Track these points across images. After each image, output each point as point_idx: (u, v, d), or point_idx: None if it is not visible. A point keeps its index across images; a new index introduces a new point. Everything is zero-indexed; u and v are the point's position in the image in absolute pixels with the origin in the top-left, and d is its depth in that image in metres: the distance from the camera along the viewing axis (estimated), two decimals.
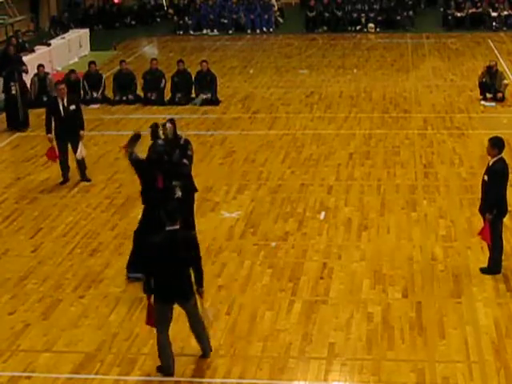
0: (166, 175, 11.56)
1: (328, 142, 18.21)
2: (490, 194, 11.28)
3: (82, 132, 15.96)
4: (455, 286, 11.33)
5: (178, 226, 9.19)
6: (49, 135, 15.88)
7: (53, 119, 15.81)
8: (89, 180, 16.06)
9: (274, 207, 14.45)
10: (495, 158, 11.34)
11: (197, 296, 9.39)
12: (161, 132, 12.15)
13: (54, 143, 15.96)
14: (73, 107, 15.79)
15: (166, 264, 9.09)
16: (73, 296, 11.37)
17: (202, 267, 9.41)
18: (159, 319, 9.26)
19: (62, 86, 16.04)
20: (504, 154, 11.44)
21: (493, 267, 11.53)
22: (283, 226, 13.62)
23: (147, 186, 11.71)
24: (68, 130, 15.70)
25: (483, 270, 11.60)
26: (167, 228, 9.18)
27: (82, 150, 15.88)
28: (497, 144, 11.34)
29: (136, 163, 11.70)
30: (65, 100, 15.72)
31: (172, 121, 12.69)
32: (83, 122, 16.13)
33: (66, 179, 16.04)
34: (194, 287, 9.38)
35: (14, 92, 19.98)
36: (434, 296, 11.07)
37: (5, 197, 15.50)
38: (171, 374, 9.36)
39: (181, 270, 9.17)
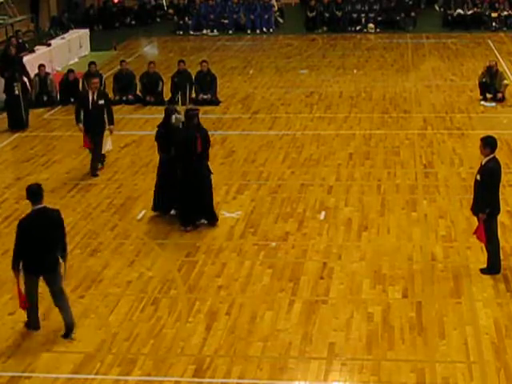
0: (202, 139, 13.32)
1: (328, 142, 18.21)
2: (482, 194, 11.29)
3: (111, 126, 16.38)
4: (455, 286, 11.33)
5: (43, 204, 10.11)
6: (79, 125, 16.28)
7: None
8: (96, 175, 16.34)
9: (274, 207, 14.45)
10: (488, 158, 11.35)
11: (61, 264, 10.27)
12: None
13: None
14: (101, 102, 16.15)
15: (36, 240, 9.94)
16: (73, 296, 11.37)
17: (66, 240, 10.37)
18: (29, 290, 10.17)
19: (96, 79, 16.60)
20: (503, 154, 11.45)
21: (491, 267, 11.53)
22: (283, 226, 13.62)
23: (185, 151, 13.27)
24: (94, 123, 16.06)
25: (483, 271, 11.60)
26: (34, 207, 10.08)
27: (108, 144, 16.40)
28: (489, 143, 11.33)
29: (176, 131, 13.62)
30: (95, 94, 16.07)
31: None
32: (112, 116, 16.52)
33: (100, 167, 16.63)
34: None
35: (16, 92, 20.09)
36: (433, 296, 11.07)
37: (5, 197, 15.50)
38: (38, 328, 10.42)
39: (48, 245, 10.02)
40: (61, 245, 10.26)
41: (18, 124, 20.07)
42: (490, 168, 11.29)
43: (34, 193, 10.15)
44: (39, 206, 10.12)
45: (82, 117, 16.16)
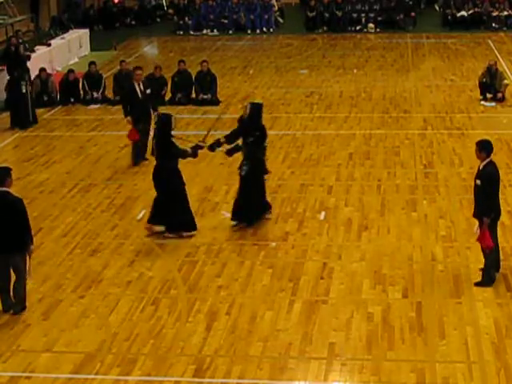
0: None
1: (328, 142, 18.21)
2: (485, 198, 11.10)
3: (155, 114, 16.79)
4: (455, 286, 11.33)
5: (6, 188, 10.63)
6: (127, 118, 16.77)
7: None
8: (146, 159, 16.72)
9: (274, 207, 14.43)
10: (485, 162, 11.17)
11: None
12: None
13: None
14: (148, 91, 16.84)
15: None
16: (73, 296, 11.37)
17: (30, 225, 10.73)
18: None
19: (140, 71, 17.11)
20: (503, 154, 11.39)
21: (487, 279, 11.23)
22: (283, 226, 13.61)
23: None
24: (144, 113, 16.67)
25: (477, 283, 11.35)
26: None
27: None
28: (485, 148, 11.18)
29: None
30: (141, 85, 16.69)
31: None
32: (156, 104, 17.29)
33: (138, 162, 16.87)
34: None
35: (24, 91, 20.13)
36: (434, 296, 11.07)
37: None
38: (8, 310, 10.73)
39: (6, 226, 10.44)
40: (24, 233, 10.57)
41: (23, 122, 20.04)
42: (489, 173, 11.12)
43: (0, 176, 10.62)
44: (1, 189, 10.59)
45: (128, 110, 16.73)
